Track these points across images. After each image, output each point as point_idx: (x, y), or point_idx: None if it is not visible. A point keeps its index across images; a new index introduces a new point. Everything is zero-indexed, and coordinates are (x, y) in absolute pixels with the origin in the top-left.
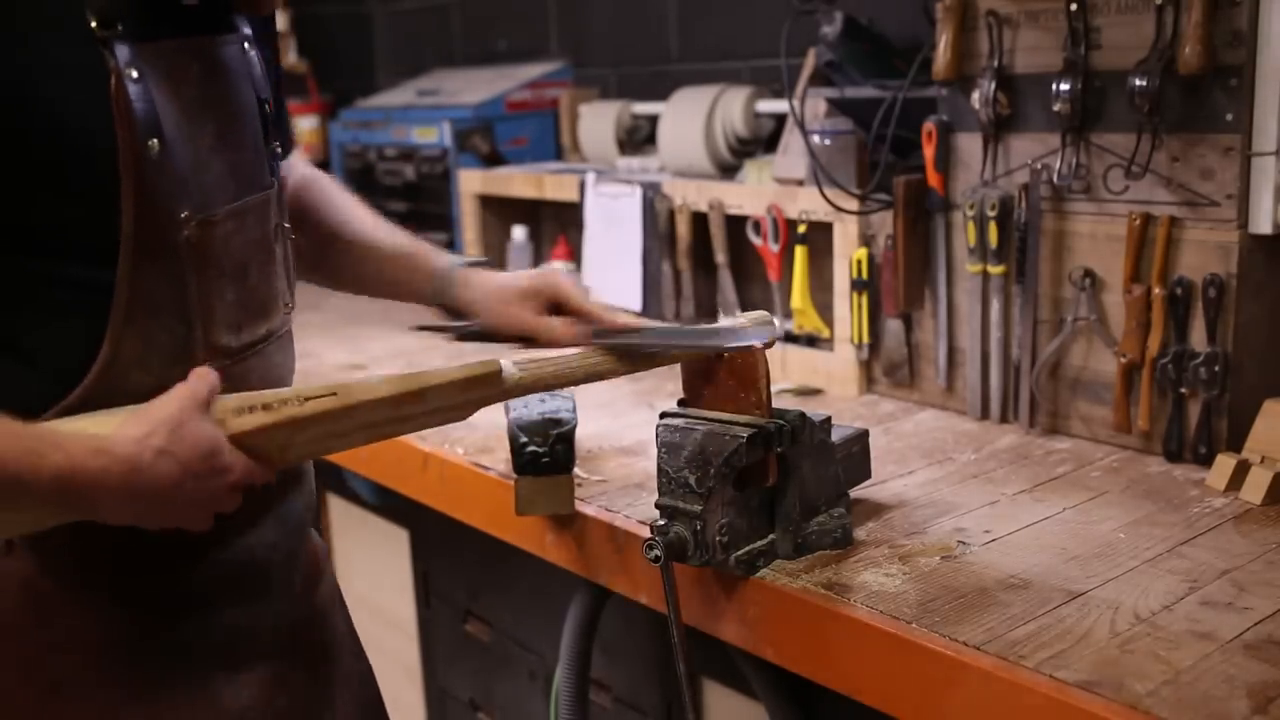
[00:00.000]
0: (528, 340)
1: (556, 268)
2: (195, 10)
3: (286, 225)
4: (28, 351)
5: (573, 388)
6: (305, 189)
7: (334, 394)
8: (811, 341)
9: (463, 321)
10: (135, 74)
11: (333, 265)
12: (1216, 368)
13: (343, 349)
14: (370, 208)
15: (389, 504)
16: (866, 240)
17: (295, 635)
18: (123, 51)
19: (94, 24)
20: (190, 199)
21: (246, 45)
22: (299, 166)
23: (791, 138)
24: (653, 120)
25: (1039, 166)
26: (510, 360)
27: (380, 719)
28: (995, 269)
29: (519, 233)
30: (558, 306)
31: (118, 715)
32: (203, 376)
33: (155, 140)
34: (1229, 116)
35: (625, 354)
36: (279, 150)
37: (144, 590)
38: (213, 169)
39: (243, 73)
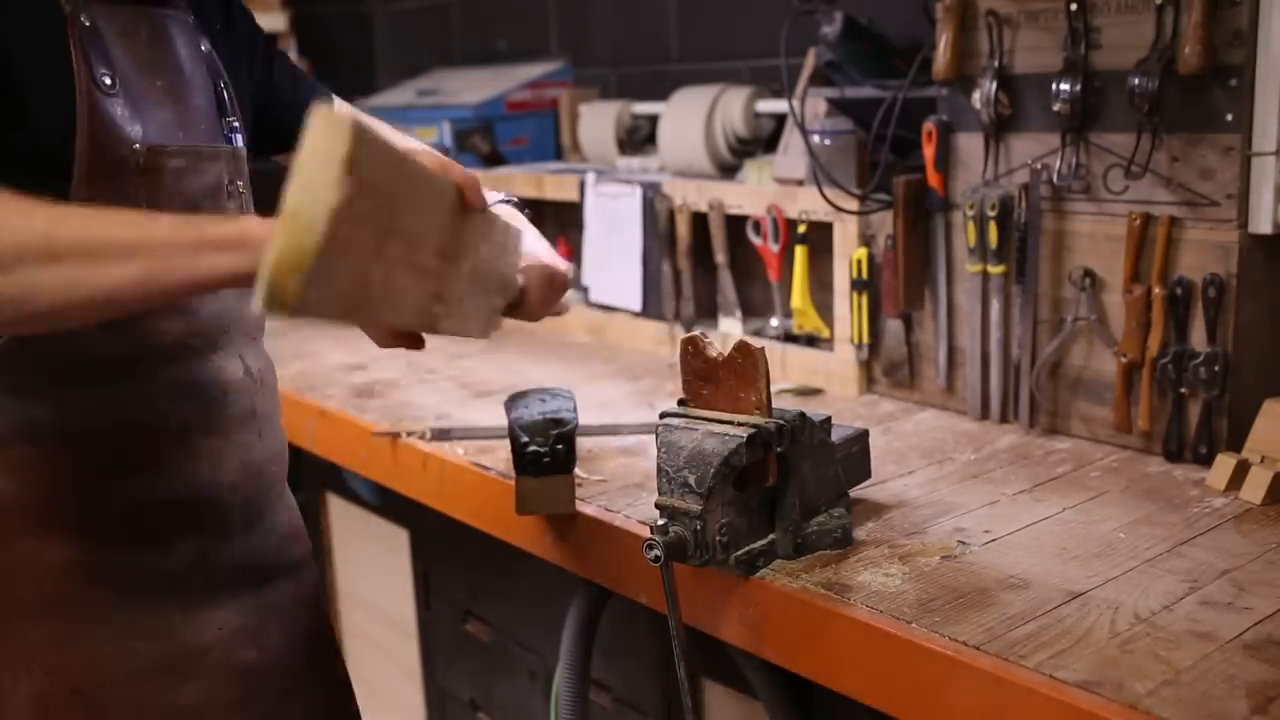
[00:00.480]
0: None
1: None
2: None
3: (240, 186)
4: None
5: (570, 387)
6: None
7: None
8: (811, 341)
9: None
10: (88, 23)
11: None
12: (1216, 367)
13: (343, 349)
14: None
15: (389, 504)
16: (866, 240)
17: (261, 593)
18: (78, 3)
19: None
20: (141, 130)
21: (199, 35)
22: None
23: (791, 138)
24: (653, 120)
25: (1039, 166)
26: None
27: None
28: (995, 269)
29: None
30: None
31: (75, 637)
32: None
33: (107, 76)
34: (1229, 116)
35: None
36: (235, 124)
37: (102, 518)
38: (163, 114)
39: (191, 51)
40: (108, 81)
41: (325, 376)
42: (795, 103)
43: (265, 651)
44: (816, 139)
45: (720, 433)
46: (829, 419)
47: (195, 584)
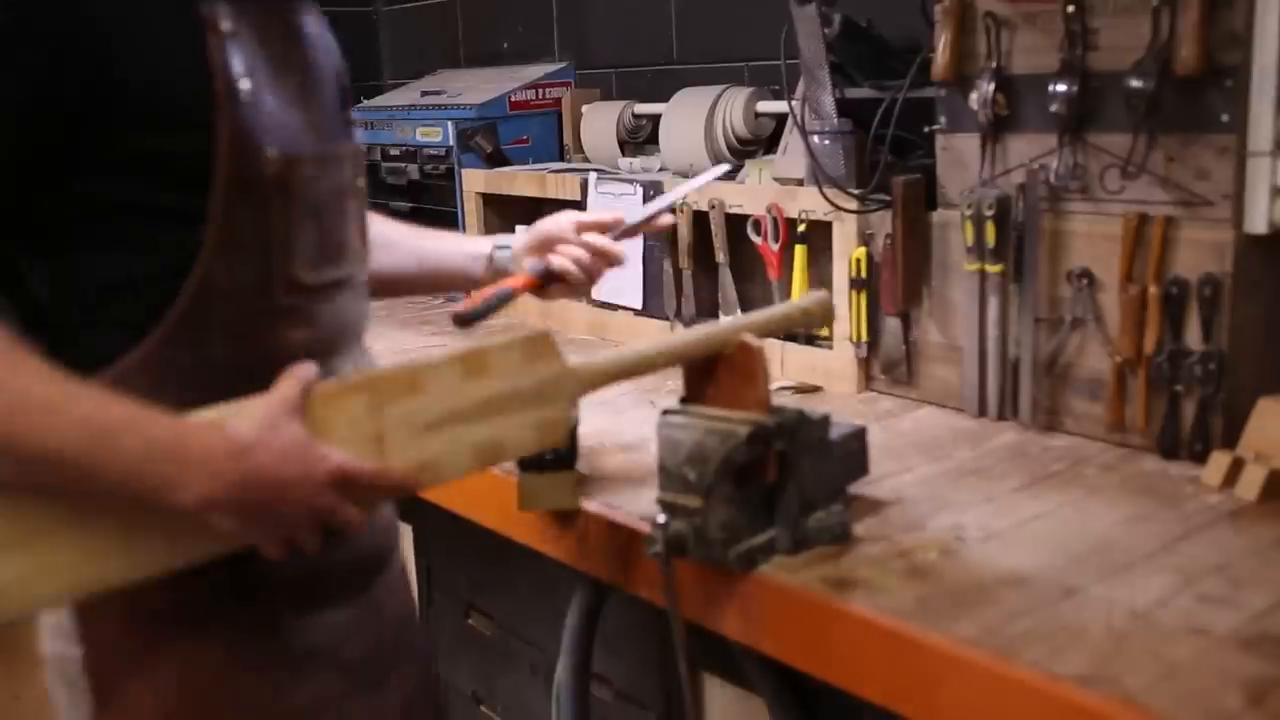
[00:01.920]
0: (546, 283)
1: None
2: None
3: (361, 185)
4: (122, 284)
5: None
6: None
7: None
8: (811, 340)
9: (490, 290)
10: (228, 26)
11: (377, 270)
12: (1212, 366)
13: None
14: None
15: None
16: (865, 239)
17: (365, 587)
18: (216, 8)
19: None
20: (276, 138)
21: (321, 16)
22: None
23: (791, 138)
24: (654, 120)
25: (1036, 166)
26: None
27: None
28: (993, 268)
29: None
30: (550, 248)
31: (203, 644)
32: (295, 377)
33: (246, 81)
34: (1225, 117)
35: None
36: (353, 119)
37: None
38: (295, 118)
39: (320, 41)
40: (247, 89)
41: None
42: (795, 103)
43: (366, 644)
44: (816, 139)
45: (720, 430)
46: (828, 416)
47: (312, 588)
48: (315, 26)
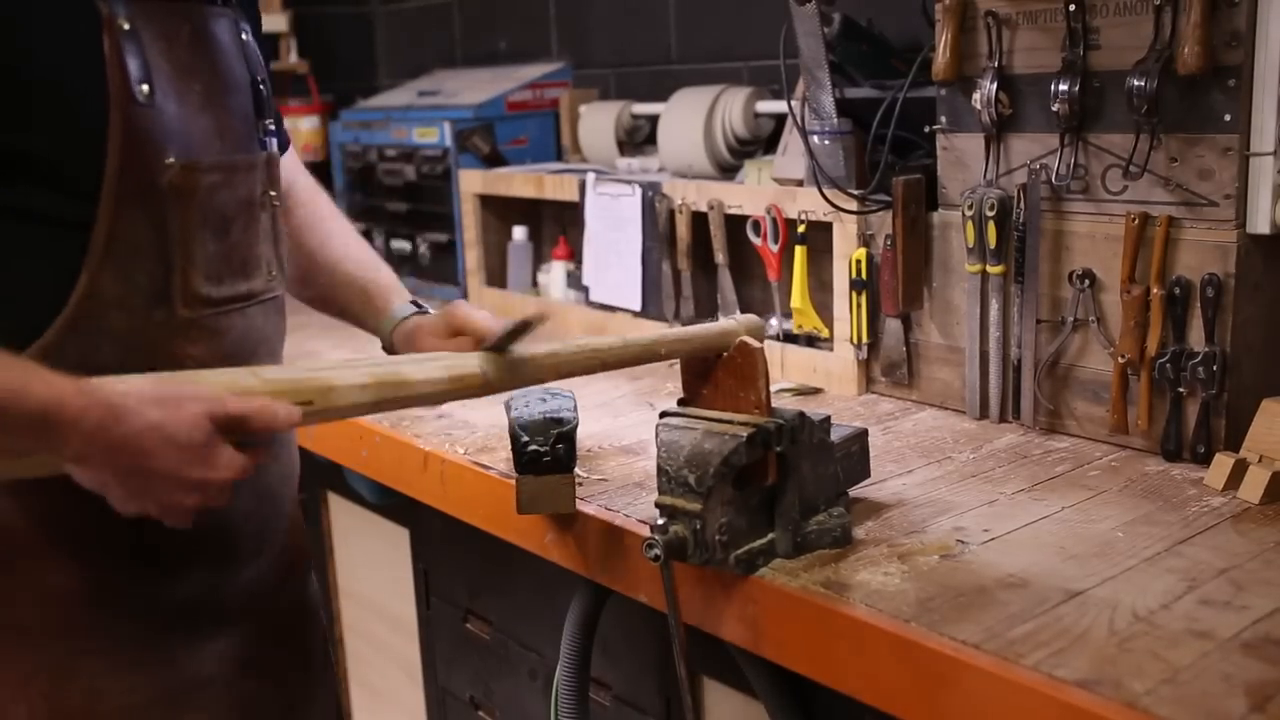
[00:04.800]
0: None
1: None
2: None
3: (274, 197)
4: (4, 292)
5: (570, 387)
6: (300, 206)
7: (310, 402)
8: (811, 341)
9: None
10: (127, 26)
11: (312, 286)
12: (1214, 367)
13: (342, 348)
14: (354, 228)
15: (389, 503)
16: (865, 240)
17: (264, 617)
18: (116, 5)
19: None
20: (176, 145)
21: (240, 23)
22: (299, 177)
23: (791, 138)
24: (653, 120)
25: (1037, 167)
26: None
27: None
28: (994, 269)
29: (519, 233)
30: (457, 332)
31: (76, 664)
32: (258, 405)
33: (145, 85)
34: (1227, 117)
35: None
36: (270, 127)
37: (108, 544)
38: (200, 124)
39: (233, 47)
40: (145, 92)
41: None
42: (794, 103)
43: (265, 676)
44: (816, 139)
45: (720, 432)
46: (828, 418)
47: (202, 615)
48: (229, 32)
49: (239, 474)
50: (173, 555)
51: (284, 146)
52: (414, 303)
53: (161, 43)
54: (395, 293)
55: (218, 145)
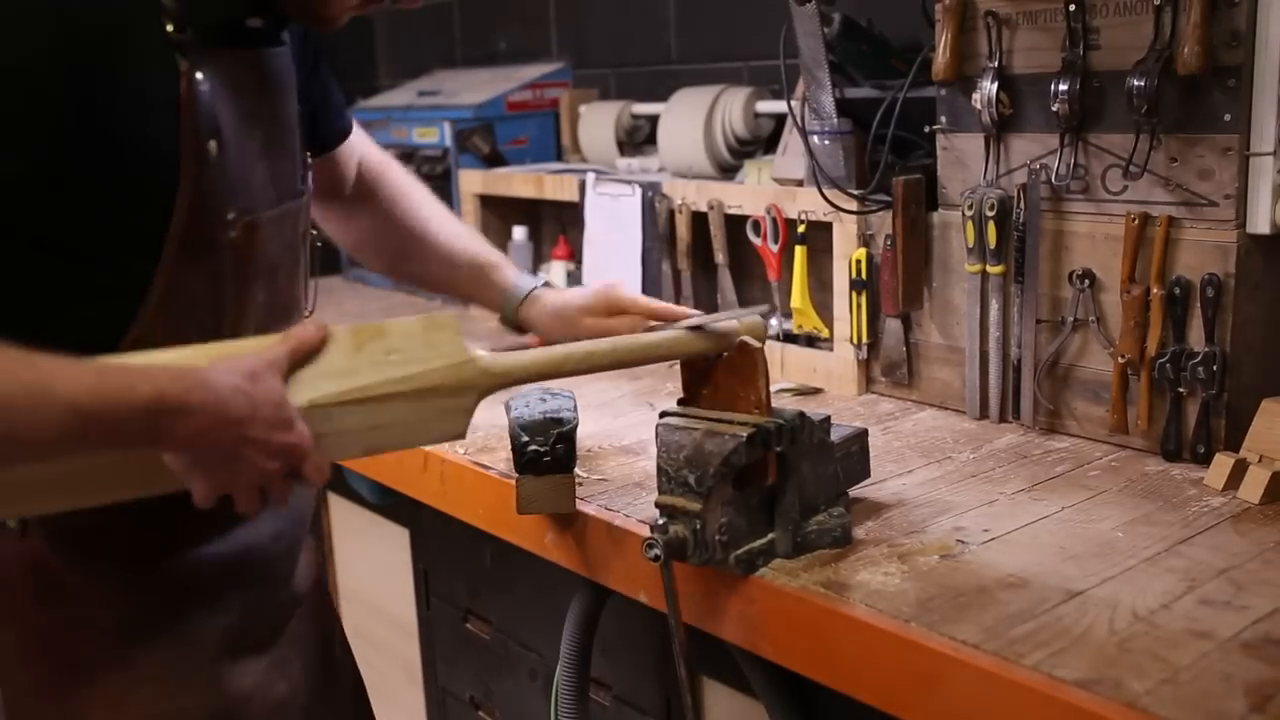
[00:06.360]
0: None
1: (615, 282)
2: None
3: (314, 232)
4: (53, 334)
5: (570, 387)
6: (380, 177)
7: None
8: (811, 341)
9: (521, 337)
10: (201, 77)
11: (402, 258)
12: (1214, 367)
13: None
14: (437, 199)
15: (389, 504)
16: (865, 240)
17: (293, 625)
18: (192, 57)
19: (169, 28)
20: (238, 201)
21: (291, 55)
22: (370, 150)
23: (791, 138)
24: (653, 120)
25: (1037, 167)
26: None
27: (366, 707)
28: (994, 269)
29: (519, 233)
30: (619, 312)
31: (126, 698)
32: (293, 338)
33: (214, 142)
34: (1227, 117)
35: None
36: (308, 161)
37: (153, 577)
38: (258, 174)
39: (288, 84)
40: (214, 150)
41: None
42: (794, 103)
43: (293, 681)
44: (816, 139)
45: (720, 432)
46: (828, 418)
47: (245, 636)
48: (286, 69)
49: (307, 442)
50: (214, 584)
51: (347, 131)
52: (533, 274)
53: (230, 91)
54: (504, 268)
55: (272, 193)
